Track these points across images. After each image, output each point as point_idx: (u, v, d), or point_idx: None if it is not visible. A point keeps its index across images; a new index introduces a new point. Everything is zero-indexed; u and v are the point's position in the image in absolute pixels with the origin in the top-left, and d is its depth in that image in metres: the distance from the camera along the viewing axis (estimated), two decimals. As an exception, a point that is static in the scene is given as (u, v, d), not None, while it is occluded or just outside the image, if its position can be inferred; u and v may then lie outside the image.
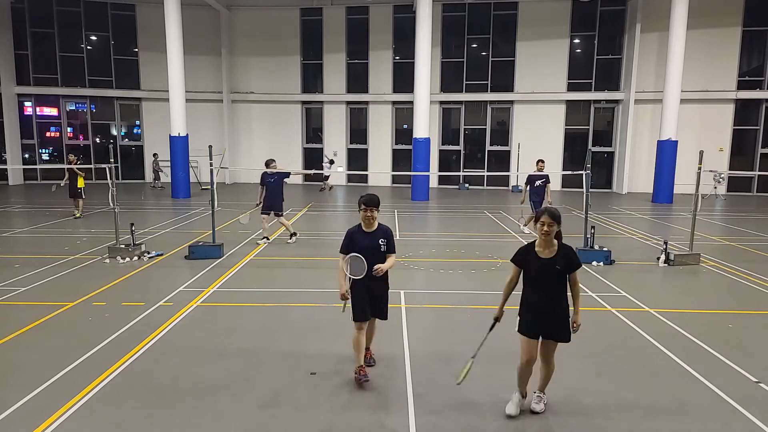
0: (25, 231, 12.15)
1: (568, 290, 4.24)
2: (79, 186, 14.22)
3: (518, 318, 4.28)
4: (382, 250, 4.83)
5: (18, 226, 12.16)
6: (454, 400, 4.60)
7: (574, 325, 4.20)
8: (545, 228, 4.09)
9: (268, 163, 11.28)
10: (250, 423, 4.25)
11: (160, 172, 22.87)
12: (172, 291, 7.65)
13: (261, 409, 4.45)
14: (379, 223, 4.88)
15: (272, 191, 11.33)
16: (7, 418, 4.25)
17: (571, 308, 4.24)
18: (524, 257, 4.24)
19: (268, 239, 11.39)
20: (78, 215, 14.31)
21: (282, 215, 11.55)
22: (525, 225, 12.51)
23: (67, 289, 7.70)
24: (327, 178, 22.08)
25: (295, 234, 11.47)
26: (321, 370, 5.16)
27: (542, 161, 12.41)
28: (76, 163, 14.40)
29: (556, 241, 4.15)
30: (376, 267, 4.70)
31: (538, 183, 11.97)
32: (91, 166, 14.85)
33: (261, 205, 11.31)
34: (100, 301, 7.17)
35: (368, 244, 4.80)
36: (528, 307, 4.23)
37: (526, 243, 4.33)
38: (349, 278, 4.71)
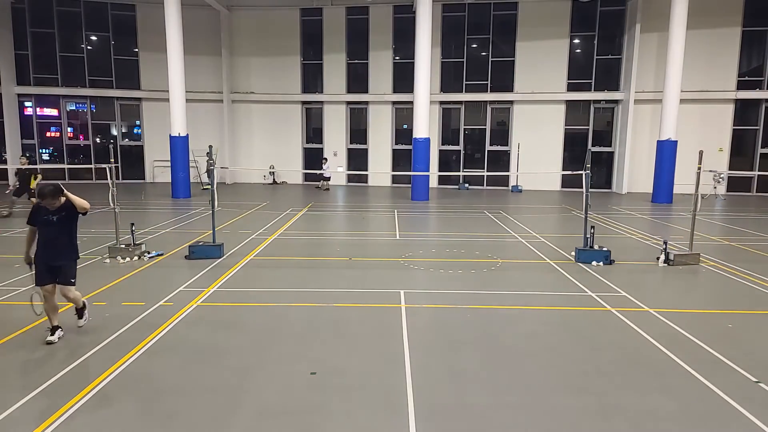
0: (24, 231, 12.12)
1: None
2: (31, 187, 13.59)
3: None
4: None
5: (18, 227, 12.15)
6: (455, 400, 4.61)
7: None
8: None
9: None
10: (249, 423, 4.25)
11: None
12: (173, 291, 7.66)
13: (261, 410, 4.45)
14: None
15: (54, 238, 5.85)
16: (6, 419, 4.26)
17: None
18: None
19: (55, 330, 5.80)
20: (6, 214, 13.84)
21: (74, 284, 5.88)
22: None
23: (67, 289, 7.68)
24: (328, 178, 23.24)
25: (76, 327, 6.08)
26: (321, 370, 5.17)
27: None
28: (26, 164, 14.06)
29: None
30: None
31: None
32: (92, 165, 14.84)
33: (32, 266, 5.94)
34: (101, 301, 7.17)
35: None
36: None
37: None
38: None
